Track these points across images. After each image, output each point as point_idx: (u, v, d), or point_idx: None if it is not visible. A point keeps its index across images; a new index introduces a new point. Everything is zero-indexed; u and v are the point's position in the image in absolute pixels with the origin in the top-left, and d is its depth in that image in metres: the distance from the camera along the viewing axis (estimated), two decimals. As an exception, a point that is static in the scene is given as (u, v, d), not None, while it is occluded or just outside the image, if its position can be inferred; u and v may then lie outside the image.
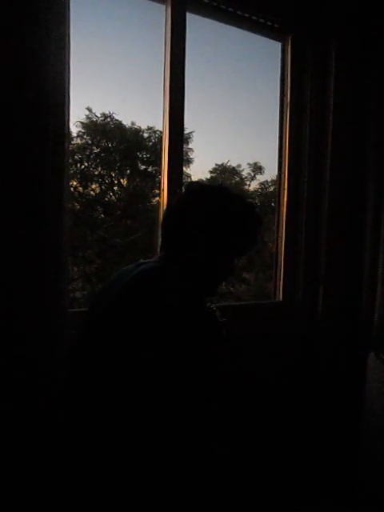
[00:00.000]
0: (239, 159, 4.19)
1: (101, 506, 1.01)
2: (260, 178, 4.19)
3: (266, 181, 4.19)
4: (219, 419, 1.09)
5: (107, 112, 3.63)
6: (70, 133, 1.79)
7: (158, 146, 3.46)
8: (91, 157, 3.65)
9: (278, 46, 2.18)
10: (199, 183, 1.53)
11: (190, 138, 3.63)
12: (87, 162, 3.64)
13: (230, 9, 1.94)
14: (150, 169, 3.84)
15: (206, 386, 1.01)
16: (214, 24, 1.98)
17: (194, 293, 1.07)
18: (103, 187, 3.73)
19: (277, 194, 2.27)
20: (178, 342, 0.95)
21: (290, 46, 2.15)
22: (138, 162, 3.83)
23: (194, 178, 3.75)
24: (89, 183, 3.62)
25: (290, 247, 2.19)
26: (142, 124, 3.74)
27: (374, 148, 2.11)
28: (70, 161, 3.36)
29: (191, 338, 0.98)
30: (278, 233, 2.22)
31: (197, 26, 1.90)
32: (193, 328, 0.99)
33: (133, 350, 0.95)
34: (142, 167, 3.84)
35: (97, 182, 3.67)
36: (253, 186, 4.22)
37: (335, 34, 2.10)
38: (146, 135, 3.81)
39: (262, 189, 4.25)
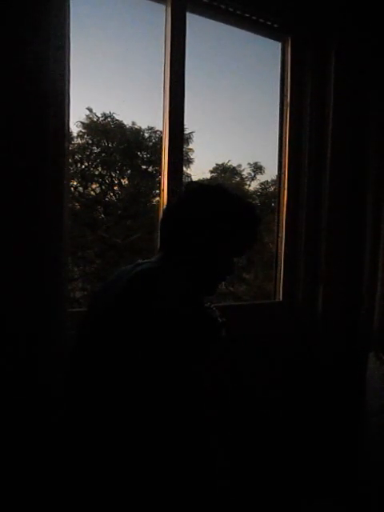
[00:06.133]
0: (239, 159, 4.19)
1: (99, 505, 1.01)
2: (260, 177, 4.20)
3: (267, 181, 4.20)
4: (218, 419, 1.09)
5: (107, 112, 3.63)
6: (70, 133, 1.80)
7: (159, 146, 3.46)
8: (91, 157, 3.66)
9: (277, 45, 2.18)
10: (198, 183, 1.53)
11: (190, 138, 3.64)
12: (87, 162, 3.65)
13: (230, 9, 1.94)
14: (150, 169, 3.85)
15: (204, 386, 1.01)
16: (214, 24, 1.99)
17: (193, 293, 1.07)
18: (103, 187, 3.73)
19: (277, 194, 2.27)
20: (177, 342, 0.95)
21: (289, 46, 2.15)
22: (139, 162, 3.83)
23: (195, 178, 3.76)
24: (89, 183, 3.62)
25: (290, 247, 2.19)
26: (143, 124, 3.75)
27: (374, 148, 2.11)
28: (70, 161, 3.36)
29: (190, 339, 0.98)
30: (278, 233, 2.22)
31: (197, 25, 1.91)
32: (191, 328, 0.99)
33: (131, 351, 0.95)
34: (143, 167, 3.85)
35: (97, 182, 3.68)
36: (253, 186, 4.23)
37: (335, 34, 2.09)
38: (146, 135, 3.81)
39: (262, 189, 4.26)
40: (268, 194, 4.16)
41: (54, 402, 1.35)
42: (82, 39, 1.89)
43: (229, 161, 4.13)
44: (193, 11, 1.87)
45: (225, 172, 4.23)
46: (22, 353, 1.37)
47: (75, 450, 1.08)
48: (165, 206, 1.29)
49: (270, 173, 4.04)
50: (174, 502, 1.00)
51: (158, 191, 3.61)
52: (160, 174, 1.89)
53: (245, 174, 4.22)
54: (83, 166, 3.61)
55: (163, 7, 1.82)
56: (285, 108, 2.17)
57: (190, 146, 3.72)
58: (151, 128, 3.78)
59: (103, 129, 3.63)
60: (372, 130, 2.12)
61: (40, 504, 1.40)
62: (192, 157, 3.77)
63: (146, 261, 1.16)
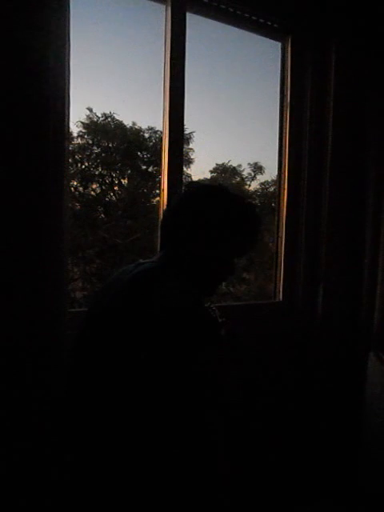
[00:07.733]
0: (239, 159, 4.19)
1: (99, 506, 1.01)
2: (260, 177, 4.20)
3: (266, 181, 4.20)
4: (220, 420, 1.09)
5: (108, 112, 3.63)
6: (70, 133, 1.80)
7: (159, 146, 3.46)
8: (92, 157, 3.66)
9: (277, 45, 2.18)
10: (199, 183, 1.53)
11: (190, 138, 3.64)
12: (87, 162, 3.65)
13: (230, 9, 1.94)
14: (150, 169, 3.85)
15: (204, 386, 1.01)
16: (214, 24, 1.99)
17: (193, 293, 1.07)
18: (104, 187, 3.73)
19: (277, 194, 2.27)
20: (177, 342, 0.96)
21: (289, 46, 2.15)
22: (139, 162, 3.83)
23: (195, 178, 3.76)
24: (89, 183, 3.63)
25: (289, 247, 2.19)
26: (143, 124, 3.75)
27: (374, 148, 2.11)
28: (70, 161, 3.36)
29: (189, 339, 0.98)
30: (278, 233, 2.22)
31: (197, 26, 1.91)
32: (191, 328, 0.99)
33: (132, 351, 0.96)
34: (143, 167, 3.85)
35: (97, 182, 3.68)
36: (253, 186, 4.23)
37: (335, 33, 2.09)
38: (146, 135, 3.82)
39: (262, 189, 4.26)
40: (268, 194, 4.17)
41: (55, 403, 1.35)
42: (82, 39, 1.89)
43: (229, 161, 4.14)
44: (193, 11, 1.87)
45: (225, 172, 4.23)
46: (22, 353, 1.37)
47: (76, 450, 1.08)
48: (165, 207, 1.30)
49: (270, 173, 4.04)
50: (174, 503, 1.00)
51: (158, 191, 3.61)
52: (160, 174, 1.89)
53: (245, 174, 4.23)
54: (83, 166, 3.61)
55: (163, 7, 1.82)
56: (285, 108, 2.17)
57: (190, 146, 3.72)
58: (151, 128, 3.78)
59: (103, 129, 3.63)
60: (372, 129, 2.12)
61: (40, 505, 1.40)
62: (192, 157, 3.78)
63: (146, 261, 1.17)
